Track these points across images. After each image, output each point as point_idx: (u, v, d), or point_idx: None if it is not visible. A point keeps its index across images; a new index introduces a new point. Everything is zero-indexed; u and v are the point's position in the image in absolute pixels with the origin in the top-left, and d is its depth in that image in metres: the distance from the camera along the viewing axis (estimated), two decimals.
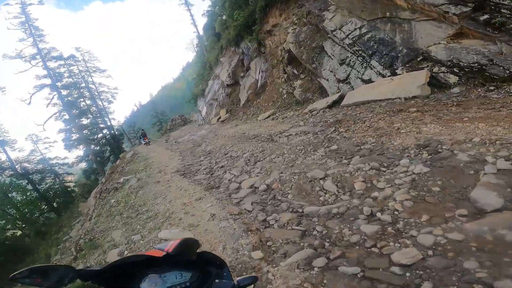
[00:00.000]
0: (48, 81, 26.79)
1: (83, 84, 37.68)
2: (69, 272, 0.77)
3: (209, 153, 9.44)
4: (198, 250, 0.94)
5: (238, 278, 0.92)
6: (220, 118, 18.29)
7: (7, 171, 20.29)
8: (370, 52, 8.62)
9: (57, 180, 33.24)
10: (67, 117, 27.48)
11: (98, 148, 36.19)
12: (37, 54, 25.47)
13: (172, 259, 0.84)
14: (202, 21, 40.29)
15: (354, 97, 8.48)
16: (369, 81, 8.52)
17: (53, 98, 26.40)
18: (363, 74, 8.82)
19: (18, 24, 25.21)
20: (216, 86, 22.60)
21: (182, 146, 13.70)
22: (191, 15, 37.45)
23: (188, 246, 0.87)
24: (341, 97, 9.11)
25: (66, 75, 36.43)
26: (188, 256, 0.87)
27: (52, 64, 27.45)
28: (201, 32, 39.47)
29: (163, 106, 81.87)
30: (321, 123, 7.63)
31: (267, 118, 12.02)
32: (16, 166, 21.53)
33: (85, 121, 35.79)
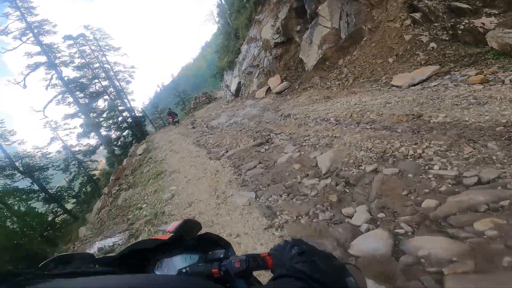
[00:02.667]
0: (42, 58, 21.74)
1: (97, 64, 32.87)
2: (88, 260, 0.75)
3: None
4: (201, 232, 0.94)
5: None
6: (270, 89, 12.40)
7: (7, 169, 16.32)
8: None
9: (82, 169, 29.76)
10: (70, 99, 22.44)
11: (118, 132, 32.19)
12: (26, 29, 20.32)
13: (180, 243, 0.86)
14: None
15: None
16: None
17: (52, 78, 21.45)
18: None
19: None
20: (254, 50, 16.41)
21: (228, 138, 7.93)
22: None
23: (189, 226, 0.89)
24: None
25: (77, 55, 31.98)
26: (189, 235, 0.87)
27: (46, 39, 22.17)
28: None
29: (184, 85, 77.23)
30: None
31: (424, 81, 5.89)
32: (17, 163, 17.39)
33: (102, 104, 31.62)
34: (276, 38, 13.06)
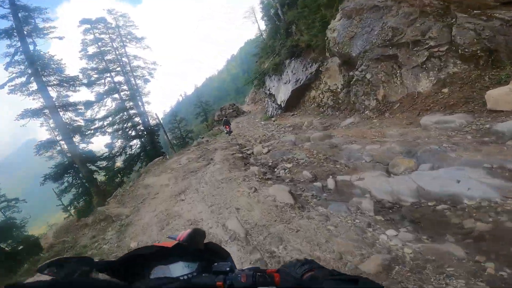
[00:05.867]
0: (6, 23, 14.48)
1: (109, 57, 26.71)
2: (85, 264, 0.72)
3: None
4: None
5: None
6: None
7: None
8: None
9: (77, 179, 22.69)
10: (35, 87, 14.92)
11: (126, 142, 25.25)
12: None
13: (180, 251, 0.83)
14: None
15: None
16: None
17: (16, 53, 14.11)
18: None
19: None
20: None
21: None
22: None
23: (197, 235, 0.87)
24: None
25: (90, 42, 26.05)
26: (197, 245, 0.86)
27: None
28: None
29: (207, 97, 71.88)
30: None
31: None
32: None
33: (109, 104, 24.99)
34: None
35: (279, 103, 18.08)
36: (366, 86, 8.87)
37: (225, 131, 15.46)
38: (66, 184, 20.45)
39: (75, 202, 22.77)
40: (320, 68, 15.83)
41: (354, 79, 9.50)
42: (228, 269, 0.75)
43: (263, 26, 32.80)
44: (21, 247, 12.76)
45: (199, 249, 0.86)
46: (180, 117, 45.38)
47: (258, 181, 5.33)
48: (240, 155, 7.40)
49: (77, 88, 15.35)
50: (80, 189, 22.75)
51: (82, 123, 17.00)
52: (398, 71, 8.03)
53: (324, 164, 6.02)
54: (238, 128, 18.90)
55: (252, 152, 8.59)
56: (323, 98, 13.77)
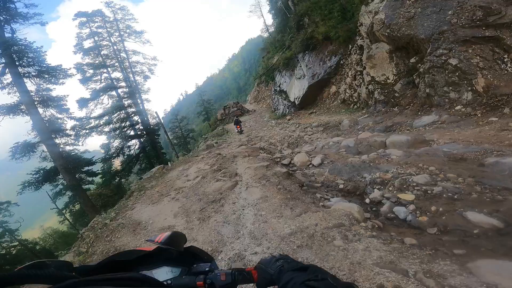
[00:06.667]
0: None
1: (104, 52, 24.88)
2: (64, 268, 0.70)
3: None
4: (185, 245, 0.87)
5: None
6: None
7: None
8: None
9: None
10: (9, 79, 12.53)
11: (124, 142, 23.39)
12: None
13: (163, 255, 0.81)
14: None
15: None
16: None
17: None
18: None
19: None
20: None
21: None
22: None
23: (176, 238, 0.83)
24: None
25: (86, 36, 24.29)
26: (177, 247, 0.81)
27: None
28: None
29: (208, 95, 71.01)
30: None
31: None
32: None
33: (106, 101, 23.15)
34: None
35: (293, 100, 16.24)
36: (452, 75, 6.91)
37: (236, 131, 14.66)
38: (61, 186, 18.70)
39: (71, 205, 21.04)
40: (342, 61, 13.99)
41: (424, 66, 7.47)
42: (207, 269, 0.75)
43: (268, 21, 30.95)
44: None
45: (180, 252, 0.81)
46: (181, 116, 43.67)
47: (382, 242, 2.55)
48: (282, 169, 5.05)
49: (61, 80, 13.11)
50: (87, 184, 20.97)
51: (67, 121, 14.71)
52: (504, 56, 6.20)
53: (498, 197, 3.17)
54: (246, 127, 17.12)
55: (291, 162, 6.37)
56: (351, 93, 11.83)
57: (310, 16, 18.30)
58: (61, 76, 13.00)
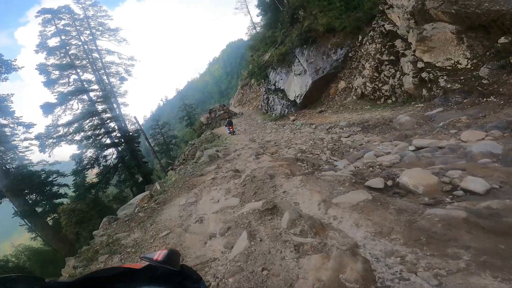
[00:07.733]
0: None
1: (73, 51, 22.03)
2: (36, 284, 0.66)
3: None
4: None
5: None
6: None
7: None
8: None
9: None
10: None
11: (98, 152, 20.40)
12: None
13: (149, 274, 0.75)
14: None
15: None
16: None
17: None
18: None
19: None
20: None
21: None
22: None
23: (173, 256, 0.81)
24: None
25: (51, 35, 21.31)
26: (174, 266, 0.79)
27: None
28: None
29: (190, 100, 68.60)
30: None
31: None
32: None
33: (76, 106, 20.15)
34: None
35: (293, 99, 14.57)
36: None
37: (228, 132, 14.46)
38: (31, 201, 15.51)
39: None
40: (350, 54, 12.51)
41: None
42: None
43: (256, 19, 29.34)
44: None
45: (171, 272, 0.77)
46: (163, 121, 40.75)
47: None
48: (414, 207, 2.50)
49: (4, 75, 10.39)
50: (47, 207, 17.81)
51: (18, 128, 11.78)
52: None
53: None
54: (240, 130, 15.11)
55: (396, 183, 3.60)
56: (378, 86, 10.08)
57: (306, 9, 16.86)
58: (3, 69, 10.25)
